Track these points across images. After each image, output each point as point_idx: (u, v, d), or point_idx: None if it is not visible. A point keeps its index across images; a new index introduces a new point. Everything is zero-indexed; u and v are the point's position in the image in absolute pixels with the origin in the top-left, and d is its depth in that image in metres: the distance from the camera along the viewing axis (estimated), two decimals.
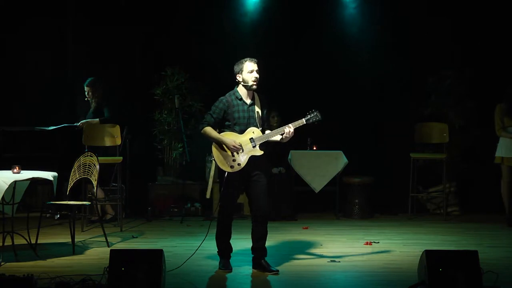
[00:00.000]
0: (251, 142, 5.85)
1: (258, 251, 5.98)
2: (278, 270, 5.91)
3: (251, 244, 6.01)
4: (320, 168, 8.68)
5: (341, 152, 8.68)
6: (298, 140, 8.74)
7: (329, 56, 9.37)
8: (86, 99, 8.53)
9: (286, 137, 5.90)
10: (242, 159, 5.84)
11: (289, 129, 5.88)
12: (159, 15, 9.49)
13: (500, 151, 8.29)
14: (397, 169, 9.17)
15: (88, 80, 8.46)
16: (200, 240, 6.18)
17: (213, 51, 9.22)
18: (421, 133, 9.06)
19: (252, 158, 5.86)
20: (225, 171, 5.84)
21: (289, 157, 8.70)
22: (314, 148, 8.94)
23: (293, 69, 9.42)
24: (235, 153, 5.82)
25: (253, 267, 6.01)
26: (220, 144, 5.85)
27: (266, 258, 5.98)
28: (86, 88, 8.45)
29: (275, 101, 8.80)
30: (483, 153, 8.92)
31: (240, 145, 5.82)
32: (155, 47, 9.53)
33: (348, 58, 9.40)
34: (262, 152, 5.88)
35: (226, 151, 5.84)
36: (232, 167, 5.83)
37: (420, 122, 9.14)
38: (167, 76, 9.13)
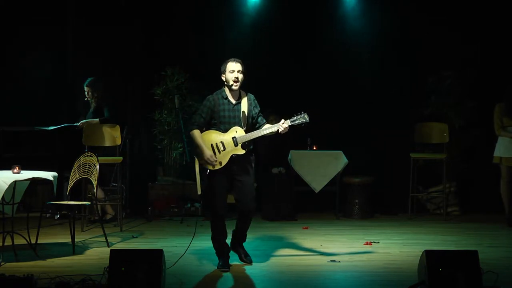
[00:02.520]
0: (233, 141, 5.92)
1: (240, 237, 6.21)
2: (252, 262, 6.12)
3: (233, 228, 6.19)
4: (320, 168, 8.67)
5: (341, 152, 8.67)
6: (298, 140, 8.80)
7: (329, 56, 9.37)
8: (86, 99, 8.52)
9: (282, 131, 5.94)
10: (224, 157, 5.93)
11: (286, 124, 5.90)
12: (159, 15, 9.48)
13: (499, 151, 8.29)
14: (397, 169, 9.16)
15: (88, 80, 8.45)
16: (200, 240, 6.19)
17: (213, 51, 9.20)
18: (421, 133, 9.06)
19: (235, 157, 5.95)
20: (207, 169, 5.97)
21: (289, 157, 8.70)
22: (314, 148, 8.93)
23: (293, 69, 9.41)
24: (216, 152, 5.93)
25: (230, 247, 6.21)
26: (204, 142, 5.95)
27: (268, 257, 5.98)
28: (86, 88, 8.45)
29: (274, 100, 8.83)
30: (483, 153, 8.89)
31: (216, 160, 5.91)
32: (155, 47, 9.52)
33: (348, 58, 9.39)
34: (244, 151, 5.97)
35: (209, 149, 5.94)
36: (213, 165, 5.92)
37: (420, 122, 9.13)
38: (167, 76, 9.12)
